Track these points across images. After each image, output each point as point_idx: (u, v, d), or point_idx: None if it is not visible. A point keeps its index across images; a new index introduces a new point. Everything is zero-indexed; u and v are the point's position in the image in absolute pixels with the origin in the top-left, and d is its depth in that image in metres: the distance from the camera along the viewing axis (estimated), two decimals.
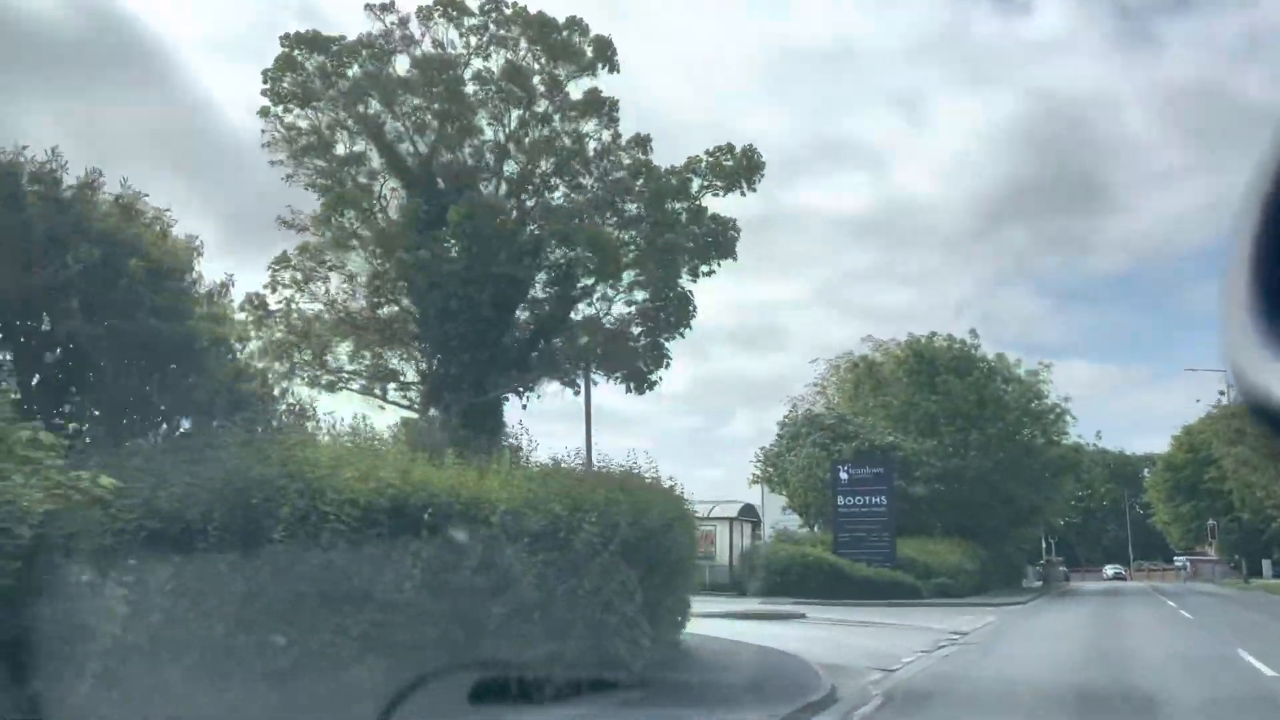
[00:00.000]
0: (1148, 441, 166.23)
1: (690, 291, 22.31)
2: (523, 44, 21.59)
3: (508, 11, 21.85)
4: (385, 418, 21.33)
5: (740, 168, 21.99)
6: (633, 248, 21.51)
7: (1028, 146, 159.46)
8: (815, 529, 51.95)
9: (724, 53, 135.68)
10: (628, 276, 21.61)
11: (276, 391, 12.03)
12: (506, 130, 22.21)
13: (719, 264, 22.65)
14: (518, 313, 22.09)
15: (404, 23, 22.08)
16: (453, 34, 21.75)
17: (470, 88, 22.08)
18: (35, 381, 12.83)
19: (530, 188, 21.94)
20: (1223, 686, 17.75)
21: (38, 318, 13.13)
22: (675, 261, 21.33)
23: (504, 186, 22.18)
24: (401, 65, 22.10)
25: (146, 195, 11.61)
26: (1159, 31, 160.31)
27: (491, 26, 21.81)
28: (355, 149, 22.60)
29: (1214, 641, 25.63)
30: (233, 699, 8.72)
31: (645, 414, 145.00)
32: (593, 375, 23.10)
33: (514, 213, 21.66)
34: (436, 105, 21.61)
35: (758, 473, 57.31)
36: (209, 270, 15.71)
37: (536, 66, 21.72)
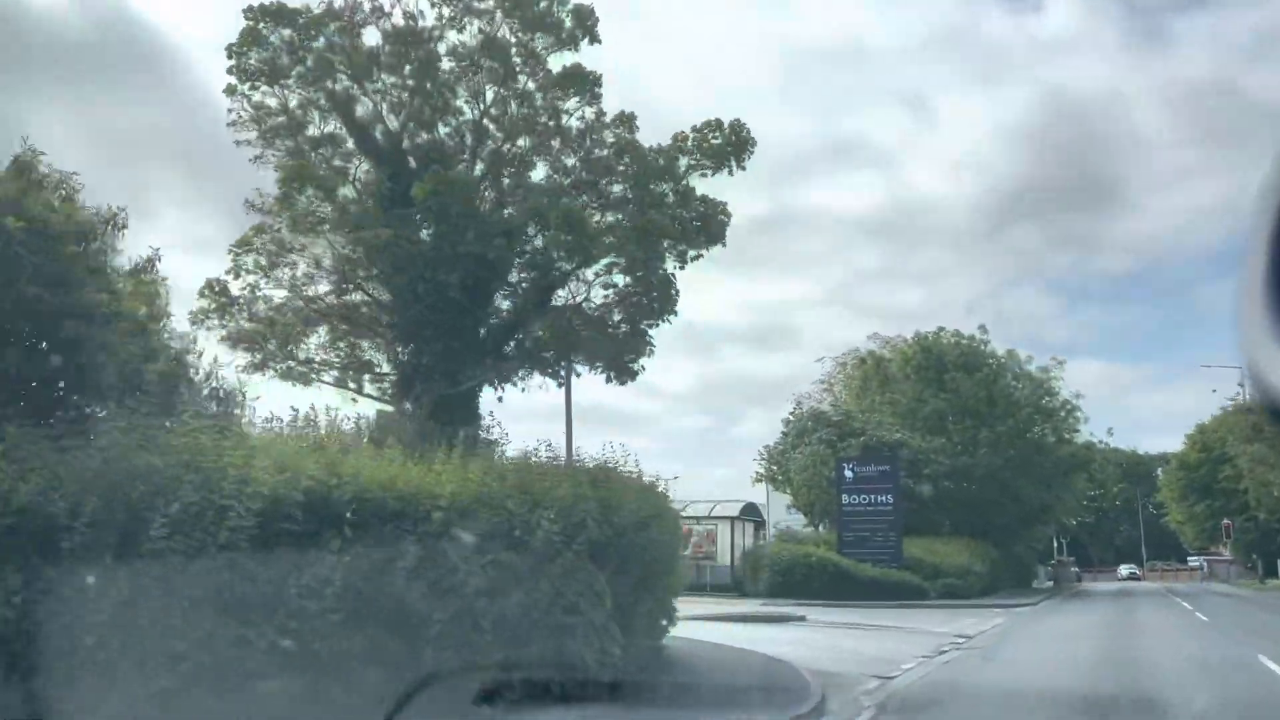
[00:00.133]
0: (1160, 441, 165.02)
1: (673, 275, 21.15)
2: (498, 15, 20.42)
3: None
4: (361, 411, 20.28)
5: (729, 144, 20.80)
6: (613, 230, 20.27)
7: (1038, 145, 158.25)
8: (820, 528, 50.80)
9: (732, 52, 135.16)
10: (607, 259, 20.36)
11: (200, 376, 10.94)
12: (482, 107, 21.03)
13: (707, 249, 21.47)
14: (497, 301, 20.95)
15: None
16: (424, 4, 20.62)
17: (445, 63, 20.91)
18: None
19: (509, 169, 20.72)
20: (1241, 694, 16.59)
21: None
22: (657, 243, 20.10)
23: (480, 166, 20.99)
24: (372, 39, 20.93)
25: (44, 154, 10.48)
26: (1170, 29, 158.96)
27: None
28: (327, 129, 21.48)
29: (1231, 645, 24.44)
30: None
31: (652, 414, 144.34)
32: (575, 366, 21.86)
33: (488, 192, 20.49)
34: (410, 81, 20.46)
35: (761, 471, 56.08)
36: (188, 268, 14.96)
37: (513, 39, 20.52)
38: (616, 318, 21.21)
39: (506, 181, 20.79)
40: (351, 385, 22.76)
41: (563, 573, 12.28)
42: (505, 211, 20.01)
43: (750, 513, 50.27)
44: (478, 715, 10.39)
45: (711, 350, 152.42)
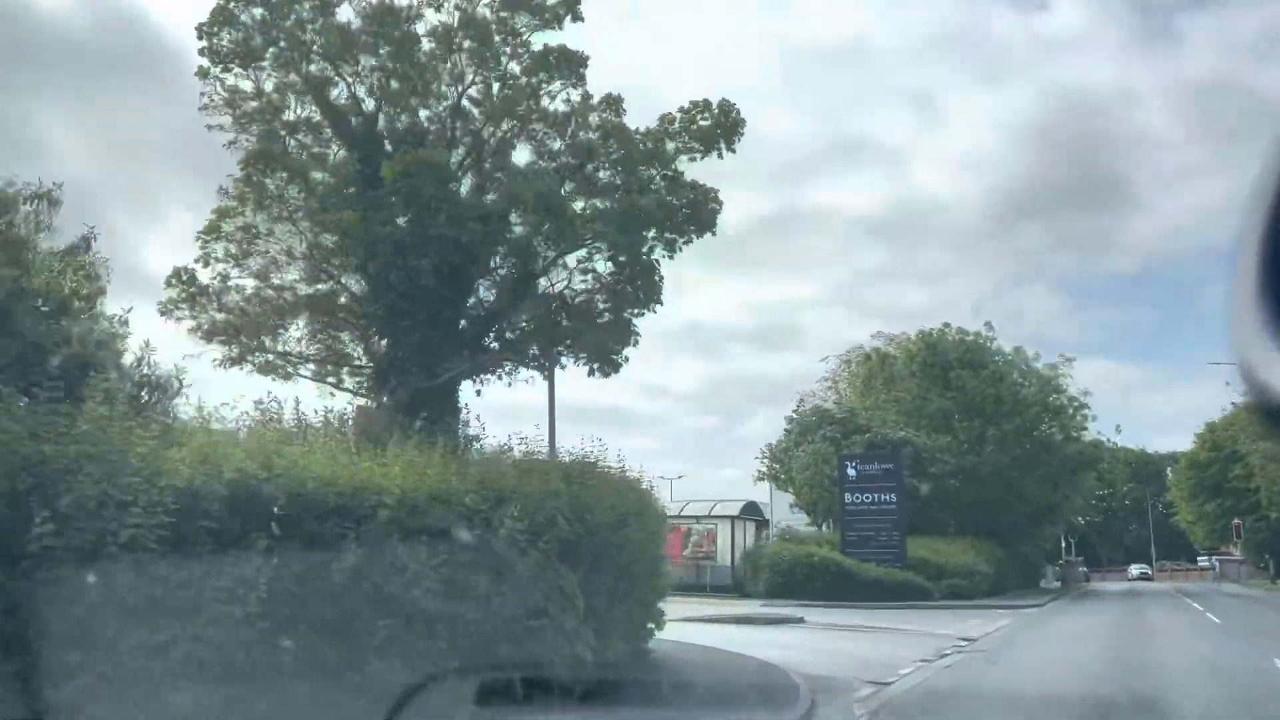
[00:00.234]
0: (1169, 440, 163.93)
1: (658, 262, 20.23)
2: None
3: None
4: (334, 405, 19.42)
5: (718, 126, 19.89)
6: (597, 216, 19.36)
7: (1045, 144, 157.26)
8: (823, 528, 49.94)
9: (735, 52, 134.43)
10: (589, 245, 19.45)
11: (129, 360, 10.12)
12: (459, 89, 20.13)
13: (697, 237, 20.56)
14: (480, 292, 20.08)
15: None
16: None
17: (425, 44, 20.02)
18: None
19: (490, 154, 19.80)
20: (1258, 703, 15.73)
21: None
22: (641, 228, 19.19)
23: (460, 151, 20.10)
24: (348, 19, 20.03)
25: None
26: (1178, 27, 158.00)
27: None
28: (304, 114, 20.61)
29: (1245, 649, 23.53)
30: None
31: (659, 414, 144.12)
32: (559, 358, 20.96)
33: (467, 177, 19.59)
34: (388, 64, 19.59)
35: (763, 470, 55.14)
36: None
37: (493, 18, 19.63)
38: (600, 306, 20.30)
39: (487, 165, 19.86)
40: (331, 380, 21.94)
41: (528, 574, 11.46)
42: (486, 198, 19.09)
43: (751, 512, 49.27)
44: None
45: (717, 350, 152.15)
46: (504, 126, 20.29)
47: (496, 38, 19.45)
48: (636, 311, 20.39)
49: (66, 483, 7.50)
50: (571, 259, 20.17)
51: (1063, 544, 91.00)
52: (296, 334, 21.93)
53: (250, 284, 19.67)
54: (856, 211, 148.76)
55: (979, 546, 48.42)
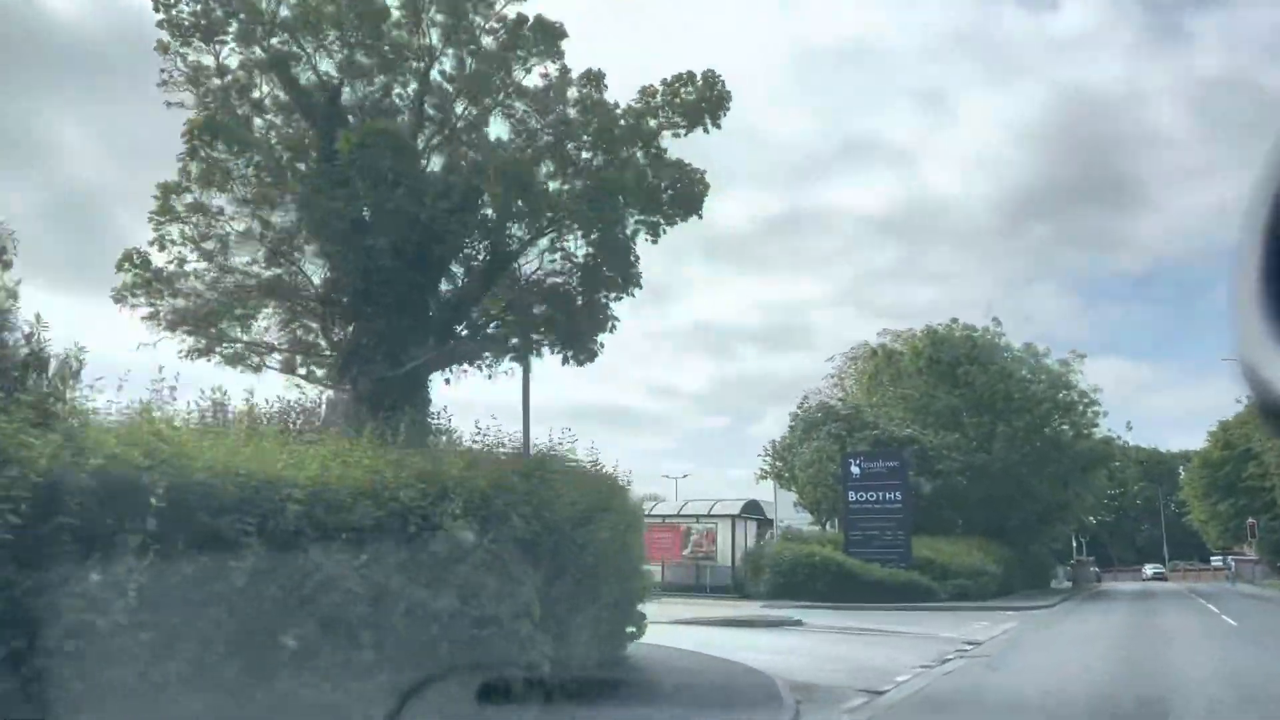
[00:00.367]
0: (1181, 439, 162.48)
1: (630, 239, 19.03)
2: None
3: None
4: (295, 397, 18.34)
5: (703, 99, 18.72)
6: (572, 195, 18.18)
7: (1055, 143, 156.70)
8: (827, 527, 48.83)
9: (745, 52, 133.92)
10: (558, 222, 18.25)
11: (16, 341, 9.07)
12: (428, 62, 18.95)
13: (682, 220, 19.39)
14: (454, 278, 18.92)
15: None
16: None
17: (395, 13, 18.88)
18: None
19: (461, 130, 18.63)
20: None
21: None
22: (615, 203, 18.01)
23: (429, 131, 18.93)
24: None
25: None
26: (1187, 26, 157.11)
27: None
28: (269, 91, 19.50)
29: (1265, 655, 22.39)
30: None
31: (668, 414, 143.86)
32: (533, 346, 19.77)
33: (435, 156, 18.47)
34: (354, 36, 18.47)
35: (766, 468, 53.99)
36: None
37: None
38: (573, 289, 19.11)
39: (460, 143, 18.65)
40: (301, 370, 20.85)
41: (474, 576, 10.34)
42: (452, 177, 17.88)
43: (752, 510, 48.02)
44: None
45: (727, 350, 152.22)
46: (477, 102, 19.09)
47: (468, 4, 18.26)
48: (614, 295, 19.24)
49: None
50: (544, 240, 18.98)
51: (1074, 544, 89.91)
52: (264, 323, 20.82)
53: (209, 269, 18.49)
54: (866, 211, 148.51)
55: (986, 546, 47.36)
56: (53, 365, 9.34)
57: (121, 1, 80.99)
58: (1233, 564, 79.04)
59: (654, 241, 19.54)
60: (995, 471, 52.08)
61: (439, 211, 16.71)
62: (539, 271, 19.35)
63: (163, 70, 19.59)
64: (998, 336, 57.91)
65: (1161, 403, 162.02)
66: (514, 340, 20.03)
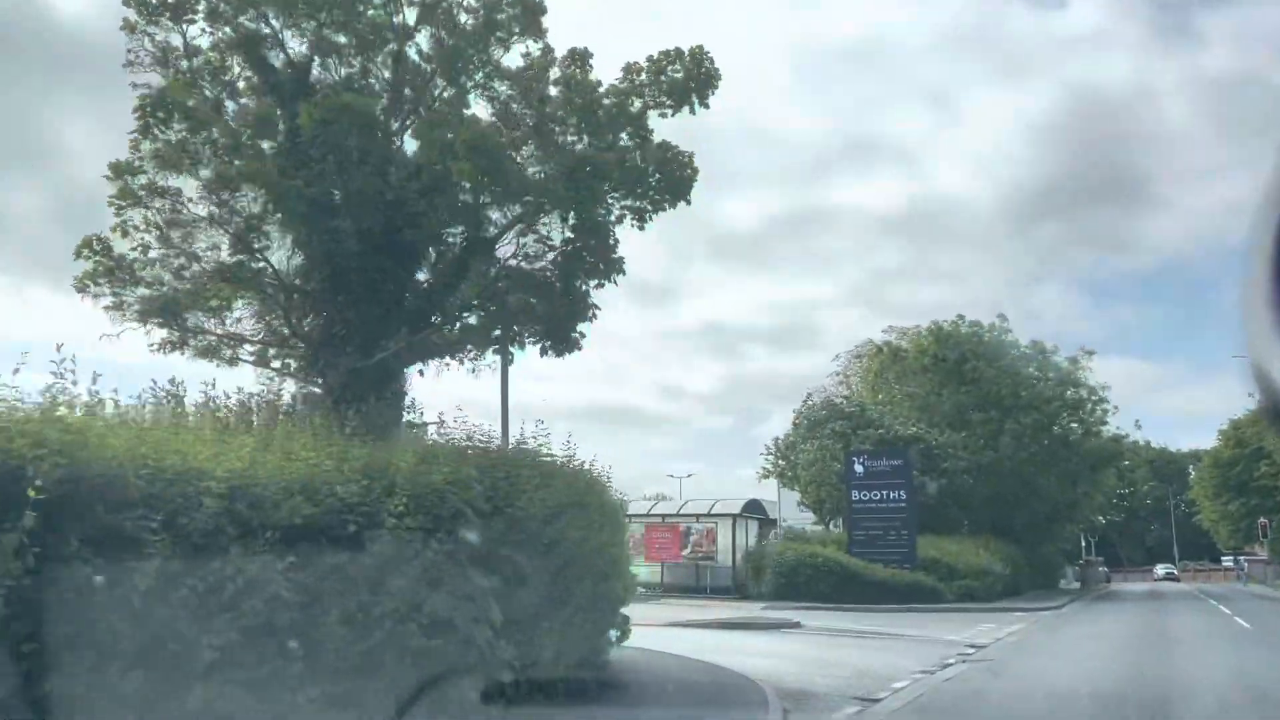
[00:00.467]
0: (1192, 438, 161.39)
1: (611, 222, 18.11)
2: None
3: None
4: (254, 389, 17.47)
5: (691, 78, 17.82)
6: (543, 170, 17.26)
7: (1063, 142, 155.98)
8: (831, 527, 47.92)
9: (754, 52, 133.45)
10: (535, 203, 17.31)
11: None
12: (401, 42, 18.00)
13: (670, 206, 18.49)
14: (431, 264, 18.02)
15: None
16: None
17: None
18: None
19: (438, 112, 17.68)
20: None
21: None
22: (595, 186, 17.09)
23: (404, 110, 18.02)
24: None
25: None
26: (1196, 24, 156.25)
27: None
28: (241, 73, 18.64)
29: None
30: None
31: (678, 414, 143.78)
32: (513, 336, 18.87)
33: (403, 135, 17.57)
34: (324, 14, 17.56)
35: (768, 467, 53.04)
36: None
37: None
38: (550, 275, 18.18)
39: (435, 123, 17.70)
40: (276, 363, 19.99)
41: (422, 579, 9.49)
42: (425, 157, 16.93)
43: (754, 510, 47.05)
44: None
45: (735, 350, 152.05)
46: (455, 82, 18.19)
47: None
48: (595, 283, 18.32)
49: None
50: (522, 224, 18.05)
51: (1082, 544, 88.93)
52: (236, 314, 19.95)
53: (172, 255, 17.59)
54: (874, 210, 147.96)
55: (993, 546, 46.42)
56: None
57: None
58: (1245, 564, 78.04)
59: (641, 229, 18.66)
60: (1002, 470, 51.19)
61: (410, 193, 15.83)
62: (515, 257, 18.45)
63: (129, 50, 18.75)
64: (1004, 333, 57.03)
65: (1171, 402, 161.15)
66: (496, 331, 19.17)
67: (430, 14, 18.09)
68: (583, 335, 18.72)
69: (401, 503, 9.28)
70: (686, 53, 17.92)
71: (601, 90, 18.10)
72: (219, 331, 19.68)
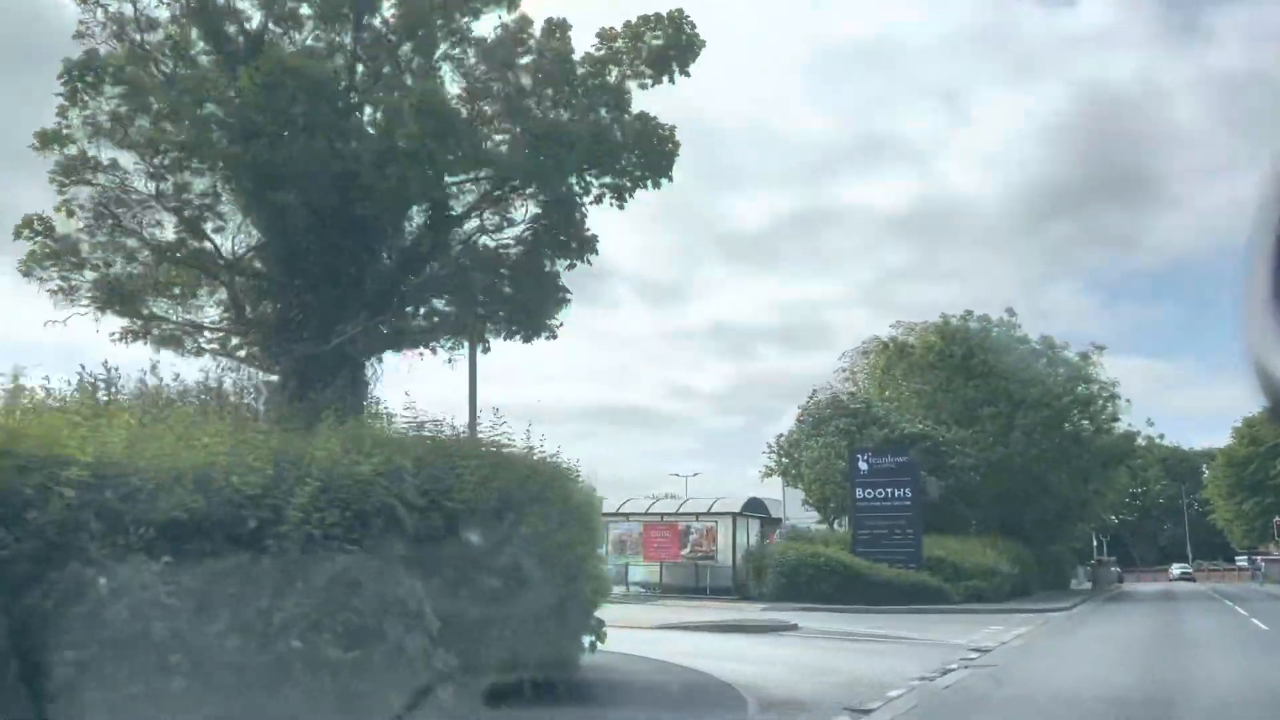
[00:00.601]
0: (1205, 437, 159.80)
1: (585, 200, 16.95)
2: None
3: None
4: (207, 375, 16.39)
5: (671, 45, 16.64)
6: (511, 143, 16.08)
7: (1073, 140, 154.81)
8: (835, 526, 46.73)
9: (763, 50, 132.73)
10: (496, 177, 16.13)
11: None
12: (358, 9, 16.81)
13: (649, 183, 17.32)
14: (393, 245, 16.88)
15: None
16: None
17: None
18: None
19: (401, 77, 16.51)
20: None
21: None
22: (560, 155, 15.88)
23: (364, 79, 16.87)
24: None
25: None
26: (1206, 21, 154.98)
27: None
28: (206, 46, 17.53)
29: None
30: None
31: (687, 414, 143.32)
32: (481, 322, 17.70)
33: (363, 105, 16.40)
34: None
35: (771, 465, 51.80)
36: None
37: None
38: (516, 252, 17.01)
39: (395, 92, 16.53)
40: (241, 352, 18.91)
41: (340, 582, 8.38)
42: (379, 124, 15.76)
43: (755, 508, 45.80)
44: None
45: (745, 350, 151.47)
46: (421, 49, 17.02)
47: None
48: (566, 263, 17.16)
49: None
50: (487, 200, 16.88)
51: (1094, 543, 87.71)
52: (201, 301, 18.88)
53: (123, 236, 16.47)
54: (884, 210, 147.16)
55: (1002, 545, 45.29)
56: None
57: None
58: (1262, 564, 76.73)
59: (621, 208, 17.51)
60: (1012, 466, 50.13)
61: (364, 164, 14.69)
62: (481, 232, 17.27)
63: (81, 22, 17.68)
64: (1013, 328, 55.90)
65: (1183, 401, 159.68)
66: (443, 307, 18.01)
67: None
68: (559, 323, 17.60)
69: (311, 495, 8.16)
70: (666, 17, 16.76)
71: (577, 60, 16.94)
72: (175, 319, 18.62)
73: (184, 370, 16.27)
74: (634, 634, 21.49)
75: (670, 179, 17.46)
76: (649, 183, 17.53)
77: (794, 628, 26.87)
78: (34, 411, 7.69)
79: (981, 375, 52.46)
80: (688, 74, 16.98)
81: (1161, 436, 73.89)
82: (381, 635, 8.81)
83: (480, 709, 10.17)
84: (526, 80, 16.94)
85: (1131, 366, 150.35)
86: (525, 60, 17.08)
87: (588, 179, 17.09)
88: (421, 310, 17.51)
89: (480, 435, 12.23)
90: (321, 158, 14.42)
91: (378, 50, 17.41)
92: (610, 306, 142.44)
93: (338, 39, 17.14)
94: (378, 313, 16.16)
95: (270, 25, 17.35)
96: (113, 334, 18.90)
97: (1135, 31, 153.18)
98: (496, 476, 10.78)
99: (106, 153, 15.49)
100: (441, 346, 19.44)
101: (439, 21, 16.52)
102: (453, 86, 17.84)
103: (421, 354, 19.18)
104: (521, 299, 16.81)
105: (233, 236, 15.92)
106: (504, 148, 16.12)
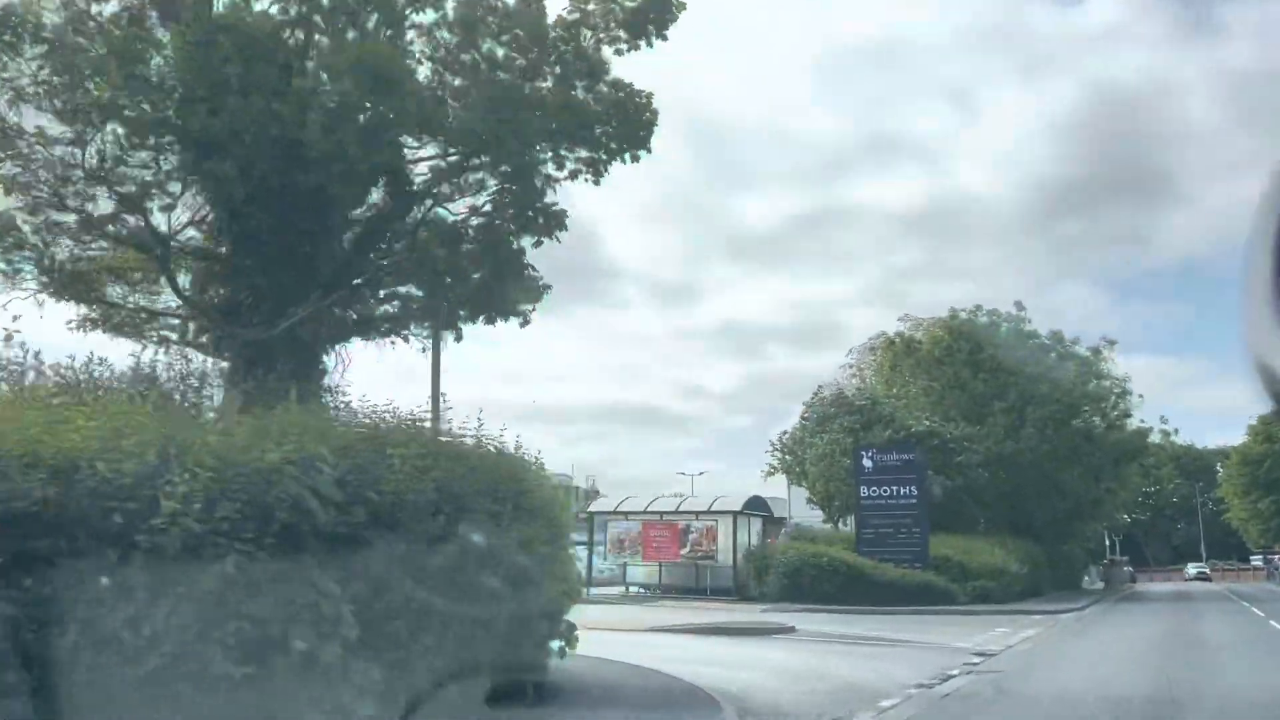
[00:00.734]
0: (1219, 435, 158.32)
1: (554, 173, 15.80)
2: None
3: None
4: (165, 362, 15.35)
5: (648, 7, 15.50)
6: (468, 106, 14.95)
7: (1085, 138, 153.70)
8: (839, 525, 45.57)
9: (773, 50, 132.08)
10: (460, 150, 14.99)
11: None
12: None
13: (626, 156, 16.19)
14: (348, 222, 15.73)
15: None
16: None
17: None
18: None
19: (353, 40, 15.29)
20: None
21: None
22: (522, 120, 14.74)
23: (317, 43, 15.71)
24: None
25: None
26: (1218, 18, 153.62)
27: None
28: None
29: None
30: None
31: (698, 414, 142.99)
32: (443, 308, 16.56)
33: (317, 71, 15.24)
34: None
35: (774, 463, 50.58)
36: None
37: None
38: (474, 231, 15.85)
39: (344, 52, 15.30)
40: (203, 339, 17.83)
41: (235, 585, 7.28)
42: (326, 88, 14.54)
43: (757, 506, 44.59)
44: None
45: (755, 349, 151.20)
46: (385, 23, 15.89)
47: None
48: (534, 240, 15.99)
49: None
50: (448, 172, 15.76)
51: (1106, 542, 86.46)
52: (161, 287, 17.79)
53: (62, 214, 15.39)
54: (894, 208, 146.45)
55: (1011, 544, 44.14)
56: None
57: None
58: (1278, 563, 75.48)
59: (596, 183, 16.37)
60: (1022, 463, 48.94)
61: (310, 130, 13.53)
62: (439, 204, 16.12)
63: None
64: (1022, 322, 54.73)
65: (1196, 399, 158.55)
66: (433, 300, 16.91)
67: None
68: (530, 308, 16.44)
69: (203, 485, 7.06)
70: None
71: (549, 23, 15.82)
72: (131, 305, 17.57)
73: (147, 360, 15.33)
74: (623, 637, 20.45)
75: (649, 151, 16.36)
76: (626, 155, 16.40)
77: (791, 630, 25.76)
78: None
79: (990, 370, 51.31)
80: (665, 38, 15.85)
81: (1176, 431, 72.47)
82: (284, 648, 7.72)
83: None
84: (500, 52, 15.78)
85: (1143, 365, 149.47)
86: (491, 20, 15.88)
87: (561, 153, 15.95)
88: (382, 294, 16.38)
89: (443, 427, 11.11)
90: (260, 121, 13.29)
91: (339, 17, 16.28)
92: (621, 306, 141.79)
93: (297, 9, 15.96)
94: (331, 293, 15.04)
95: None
96: (69, 322, 17.91)
97: (1145, 29, 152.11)
98: (436, 466, 9.67)
99: (31, 121, 14.38)
100: (415, 335, 18.38)
101: None
102: (422, 63, 16.70)
103: (393, 343, 18.14)
104: (484, 278, 15.69)
105: (170, 213, 14.75)
106: (461, 112, 14.95)
